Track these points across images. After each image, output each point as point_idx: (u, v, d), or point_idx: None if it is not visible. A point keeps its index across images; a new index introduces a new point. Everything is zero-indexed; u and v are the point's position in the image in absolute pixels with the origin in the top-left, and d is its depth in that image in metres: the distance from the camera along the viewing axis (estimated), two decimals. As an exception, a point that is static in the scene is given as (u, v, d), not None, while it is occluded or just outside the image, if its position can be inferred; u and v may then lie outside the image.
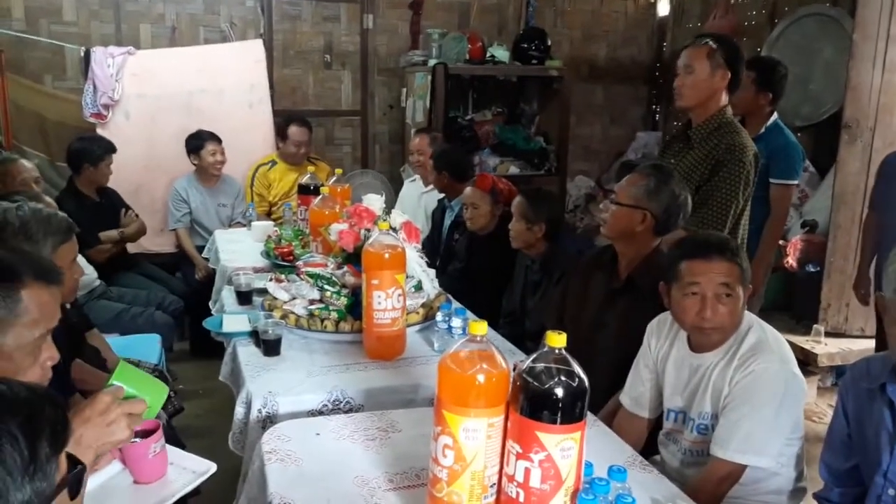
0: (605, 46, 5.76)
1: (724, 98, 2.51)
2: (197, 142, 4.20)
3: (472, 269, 3.28)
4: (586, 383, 1.16)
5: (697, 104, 2.50)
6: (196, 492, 2.51)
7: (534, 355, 1.19)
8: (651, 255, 2.16)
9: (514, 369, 1.20)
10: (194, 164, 4.26)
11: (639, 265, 2.17)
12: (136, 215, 4.05)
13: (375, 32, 5.32)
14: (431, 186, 4.15)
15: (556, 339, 1.17)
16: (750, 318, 1.80)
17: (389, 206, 2.44)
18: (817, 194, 3.91)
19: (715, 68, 2.46)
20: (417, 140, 4.18)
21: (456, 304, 2.40)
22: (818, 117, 3.93)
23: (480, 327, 1.22)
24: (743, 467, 1.70)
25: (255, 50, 4.73)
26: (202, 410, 3.39)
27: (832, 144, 3.54)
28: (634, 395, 1.96)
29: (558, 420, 1.14)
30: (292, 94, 5.25)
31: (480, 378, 1.19)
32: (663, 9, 5.72)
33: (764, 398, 1.67)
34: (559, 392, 1.14)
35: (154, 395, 1.34)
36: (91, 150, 3.87)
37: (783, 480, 1.78)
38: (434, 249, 3.69)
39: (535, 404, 1.15)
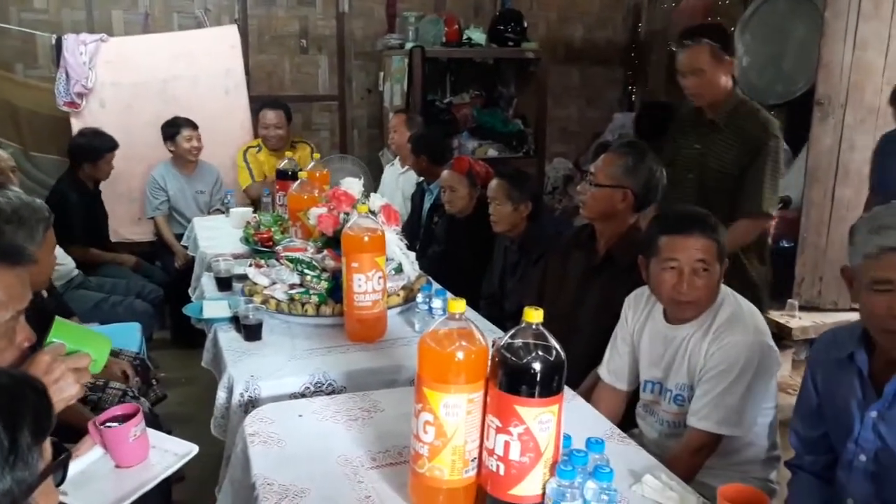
0: (581, 28, 5.77)
1: (730, 79, 2.57)
2: (173, 129, 4.17)
3: (451, 252, 3.29)
4: (563, 357, 1.18)
5: (715, 99, 2.56)
6: (181, 478, 2.55)
7: (512, 331, 1.21)
8: (629, 231, 2.19)
9: (492, 346, 1.22)
10: (171, 152, 4.23)
11: (617, 242, 2.20)
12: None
13: (351, 16, 5.28)
14: (408, 167, 4.16)
15: (533, 315, 1.19)
16: (724, 291, 1.83)
17: (368, 190, 2.45)
18: (791, 171, 3.95)
19: (719, 62, 2.51)
20: (395, 120, 4.20)
21: (436, 286, 2.42)
22: (791, 95, 3.97)
23: (459, 305, 1.24)
24: (719, 437, 1.74)
25: (230, 35, 4.69)
26: (185, 398, 3.39)
27: (805, 122, 3.59)
28: (612, 367, 2.00)
29: (536, 393, 1.16)
30: (268, 79, 5.22)
31: (460, 355, 1.20)
32: (639, -11, 5.74)
33: (739, 370, 1.71)
34: (537, 366, 1.16)
35: (97, 347, 1.32)
36: (91, 149, 3.88)
37: (758, 450, 1.83)
38: (414, 232, 3.70)
39: (513, 379, 1.17)
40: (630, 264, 1.96)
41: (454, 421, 1.21)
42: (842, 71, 3.35)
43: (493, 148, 5.21)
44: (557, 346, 1.19)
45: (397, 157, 4.31)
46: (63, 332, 1.31)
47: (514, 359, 1.17)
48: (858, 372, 1.44)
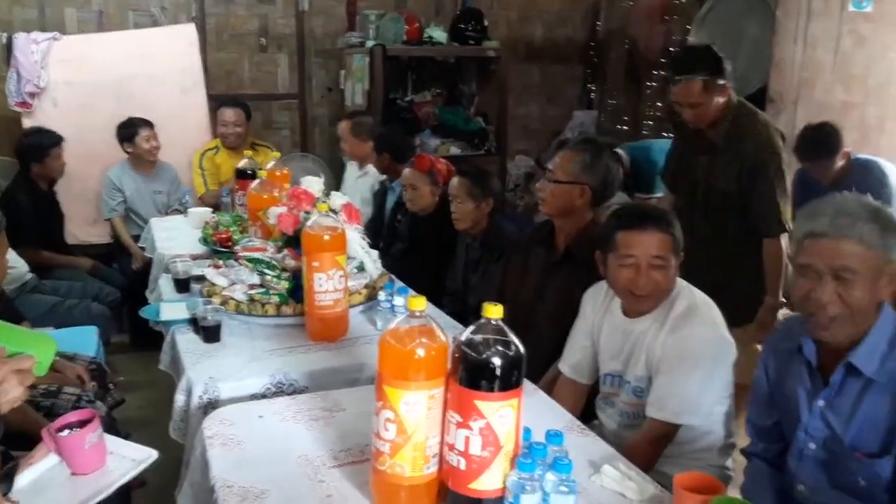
0: (541, 26, 5.80)
1: (727, 95, 2.61)
2: (129, 129, 4.10)
3: (414, 250, 3.30)
4: (522, 351, 1.19)
5: (714, 119, 2.60)
6: (142, 483, 2.51)
7: (472, 327, 1.22)
8: (588, 227, 2.22)
9: (453, 342, 1.22)
10: (128, 153, 4.15)
11: (576, 238, 2.22)
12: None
13: (311, 14, 5.24)
14: (365, 171, 4.16)
15: (493, 311, 1.20)
16: (680, 283, 1.87)
17: (328, 188, 2.44)
18: (746, 167, 4.04)
19: (713, 90, 2.55)
20: (342, 126, 4.20)
21: (399, 284, 2.42)
22: (745, 92, 4.02)
23: (419, 302, 1.24)
24: (677, 427, 1.78)
25: (187, 34, 4.62)
26: (145, 402, 3.33)
27: (759, 119, 3.66)
28: (572, 361, 2.02)
29: (496, 388, 1.17)
30: (227, 78, 5.14)
31: (420, 352, 1.21)
32: (597, -12, 5.80)
33: (696, 361, 1.74)
34: (496, 361, 1.17)
35: (41, 349, 1.28)
36: (35, 147, 3.78)
37: (715, 438, 1.86)
38: (377, 231, 3.70)
39: (473, 374, 1.17)
40: (589, 259, 1.98)
41: (415, 418, 1.21)
42: (793, 68, 3.44)
43: (455, 146, 5.21)
44: (516, 341, 1.20)
45: (353, 162, 4.31)
46: (3, 334, 1.27)
47: (473, 354, 1.18)
48: (807, 362, 1.48)
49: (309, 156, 5.08)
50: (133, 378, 3.57)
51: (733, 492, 1.98)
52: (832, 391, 1.43)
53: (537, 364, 2.21)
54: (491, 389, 1.17)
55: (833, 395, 1.43)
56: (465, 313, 2.87)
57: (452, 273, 3.06)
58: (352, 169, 4.36)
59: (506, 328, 1.21)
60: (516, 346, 1.19)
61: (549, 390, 2.04)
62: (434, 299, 2.68)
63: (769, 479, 1.60)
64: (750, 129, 2.57)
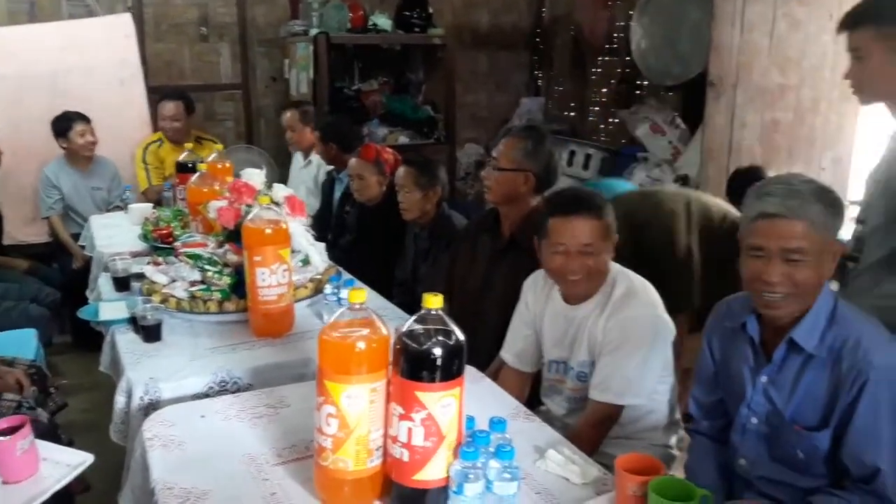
0: (487, 13, 5.79)
1: None
2: (63, 123, 3.96)
3: (363, 241, 3.27)
4: (463, 341, 1.19)
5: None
6: (86, 487, 2.45)
7: (412, 318, 1.21)
8: (531, 213, 2.23)
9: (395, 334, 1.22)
10: (63, 148, 4.02)
11: (520, 224, 2.23)
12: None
13: (253, 2, 5.14)
14: (309, 160, 4.11)
15: (433, 301, 1.19)
16: (616, 269, 1.90)
17: (272, 180, 2.40)
18: (688, 150, 4.12)
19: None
20: (288, 115, 4.13)
21: (347, 276, 2.39)
22: (687, 76, 4.12)
23: (359, 295, 1.23)
24: (620, 408, 1.81)
25: (123, 24, 4.48)
26: (89, 404, 3.25)
27: (701, 102, 3.72)
28: (515, 350, 2.03)
29: (437, 378, 1.16)
30: (167, 69, 5.01)
31: (361, 345, 1.20)
32: (542, -26, 5.81)
33: (636, 342, 1.77)
34: (436, 351, 1.16)
35: None
36: None
37: (659, 416, 1.90)
38: (325, 222, 3.66)
39: (414, 365, 1.17)
40: (533, 246, 1.99)
41: (357, 411, 1.20)
42: (731, 52, 3.50)
43: (403, 135, 5.18)
44: (457, 331, 1.19)
45: (298, 152, 4.25)
46: None
47: (414, 345, 1.17)
48: (750, 340, 1.52)
49: (253, 148, 5.00)
50: (77, 380, 3.47)
51: (679, 471, 2.03)
52: (775, 367, 1.47)
53: (485, 351, 2.22)
54: (432, 380, 1.16)
55: (775, 371, 1.47)
56: (415, 304, 2.83)
57: (402, 263, 3.05)
58: (297, 159, 4.31)
59: (447, 318, 1.20)
60: (457, 336, 1.19)
61: (497, 377, 2.05)
62: (384, 290, 2.67)
63: (712, 455, 1.64)
64: None
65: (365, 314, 1.23)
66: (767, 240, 1.39)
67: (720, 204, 2.89)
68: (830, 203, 1.38)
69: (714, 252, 2.73)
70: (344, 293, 2.07)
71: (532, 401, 2.04)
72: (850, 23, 1.71)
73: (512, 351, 2.04)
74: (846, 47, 1.74)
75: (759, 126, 3.55)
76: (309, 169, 4.11)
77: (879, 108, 1.81)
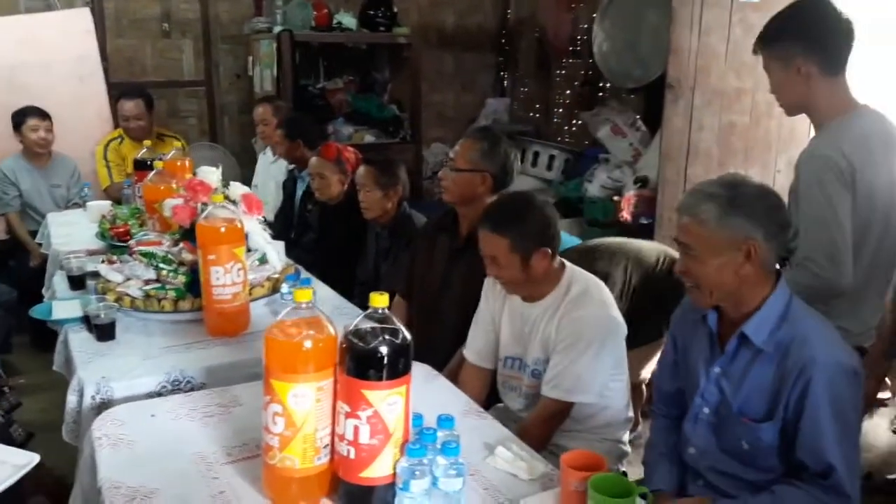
0: (452, 14, 5.81)
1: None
2: (18, 118, 3.89)
3: (325, 240, 3.27)
4: (409, 339, 1.21)
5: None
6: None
7: (359, 317, 1.23)
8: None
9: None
10: (21, 143, 3.95)
11: (476, 223, 2.26)
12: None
13: (216, -1, 5.10)
14: (278, 156, 4.08)
15: (379, 300, 1.21)
16: (571, 270, 1.94)
17: (235, 178, 2.39)
18: (648, 152, 4.18)
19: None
20: (261, 110, 4.09)
21: (305, 274, 2.40)
22: (648, 79, 4.19)
23: (305, 294, 1.24)
24: (570, 404, 1.85)
25: (82, 19, 4.41)
26: (48, 404, 3.19)
27: (661, 105, 3.78)
28: (476, 347, 2.06)
29: (383, 377, 1.18)
30: (129, 65, 4.96)
31: (307, 344, 1.21)
32: (507, -25, 5.85)
33: (587, 341, 1.82)
34: (383, 350, 1.18)
35: None
36: None
37: (613, 412, 1.94)
38: (288, 221, 3.64)
39: (360, 364, 1.18)
40: None
41: (304, 410, 1.21)
42: (689, 56, 3.55)
43: (369, 134, 5.18)
44: (403, 330, 1.21)
45: (268, 147, 4.21)
46: None
47: (360, 344, 1.19)
48: (709, 331, 1.57)
49: (217, 146, 4.96)
50: (35, 380, 3.41)
51: (633, 467, 2.08)
52: (727, 359, 1.52)
53: (444, 349, 2.25)
54: (379, 378, 1.18)
55: (728, 363, 1.52)
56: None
57: (363, 262, 3.05)
58: (265, 155, 4.27)
59: (393, 317, 1.22)
60: (403, 335, 1.20)
61: (456, 374, 2.09)
62: (346, 289, 2.67)
63: (674, 431, 1.69)
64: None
65: (312, 313, 1.24)
66: (676, 233, 1.51)
67: (656, 247, 2.85)
68: (730, 202, 1.42)
69: (656, 289, 2.71)
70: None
71: (492, 398, 2.07)
72: (754, 49, 1.93)
73: (473, 348, 2.07)
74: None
75: (717, 129, 3.62)
76: (279, 164, 4.07)
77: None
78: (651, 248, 2.78)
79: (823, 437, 1.39)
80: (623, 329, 1.88)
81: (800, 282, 1.68)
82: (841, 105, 1.83)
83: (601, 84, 5.00)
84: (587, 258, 2.57)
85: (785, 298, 1.48)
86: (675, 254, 2.14)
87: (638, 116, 4.48)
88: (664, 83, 3.74)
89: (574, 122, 5.33)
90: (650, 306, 2.55)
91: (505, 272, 1.88)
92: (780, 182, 3.67)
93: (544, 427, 1.85)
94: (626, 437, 2.01)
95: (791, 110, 1.91)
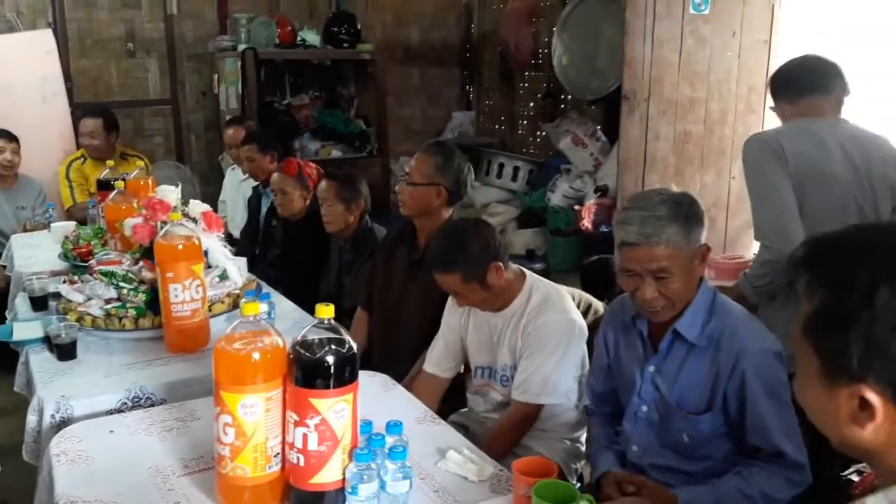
0: (417, 30, 5.90)
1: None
2: (-18, 140, 3.88)
3: (289, 255, 3.30)
4: (355, 349, 1.25)
5: None
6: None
7: (305, 328, 1.27)
8: (444, 224, 2.32)
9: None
10: (-14, 164, 3.94)
11: (435, 234, 2.32)
12: None
13: (181, 18, 5.13)
14: (248, 174, 4.10)
15: (325, 311, 1.25)
16: (532, 279, 2.00)
17: (202, 196, 2.42)
18: (608, 161, 4.28)
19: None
20: (232, 132, 4.11)
21: (266, 290, 2.43)
22: (605, 91, 4.29)
23: (253, 308, 1.28)
24: (539, 407, 1.91)
25: (44, 40, 4.43)
26: (14, 427, 3.15)
27: (619, 115, 3.87)
28: (433, 358, 2.12)
29: (330, 385, 1.22)
30: (94, 85, 4.97)
31: (255, 356, 1.25)
32: (469, -9, 5.95)
33: (552, 346, 1.88)
34: (329, 359, 1.22)
35: None
36: None
37: (574, 414, 2.01)
38: (252, 237, 3.67)
39: (307, 373, 1.23)
40: None
41: (253, 420, 1.25)
42: (643, 67, 3.65)
43: (336, 149, 5.23)
44: (350, 339, 1.26)
45: (238, 167, 4.24)
46: None
47: (307, 354, 1.23)
48: (639, 333, 1.64)
49: (182, 167, 4.97)
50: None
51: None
52: (661, 357, 1.59)
53: (405, 359, 2.29)
54: (326, 387, 1.22)
55: (661, 361, 1.59)
56: (341, 316, 2.90)
57: (326, 277, 3.09)
58: (234, 172, 4.29)
59: (340, 327, 1.26)
60: (349, 344, 1.25)
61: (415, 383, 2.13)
62: (311, 304, 2.69)
63: (611, 426, 1.76)
64: None
65: (260, 325, 1.28)
66: (634, 263, 1.50)
67: (580, 294, 2.84)
68: (686, 218, 1.49)
69: None
70: (263, 307, 2.11)
71: (455, 403, 2.13)
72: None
73: (431, 358, 2.12)
74: None
75: (672, 138, 3.72)
76: (249, 182, 4.10)
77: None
78: (576, 292, 2.74)
79: (768, 422, 1.48)
80: (584, 332, 1.95)
81: (760, 260, 1.77)
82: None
83: (563, 96, 5.10)
84: None
85: (710, 294, 1.56)
86: (595, 301, 2.20)
87: (598, 127, 4.58)
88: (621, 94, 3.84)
89: (538, 133, 5.43)
90: None
91: (472, 299, 1.94)
92: (735, 188, 3.78)
93: (515, 431, 1.92)
94: (584, 436, 2.07)
95: None
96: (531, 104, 5.48)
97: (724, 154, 3.81)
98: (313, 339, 1.25)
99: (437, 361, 2.10)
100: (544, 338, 1.88)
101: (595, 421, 1.84)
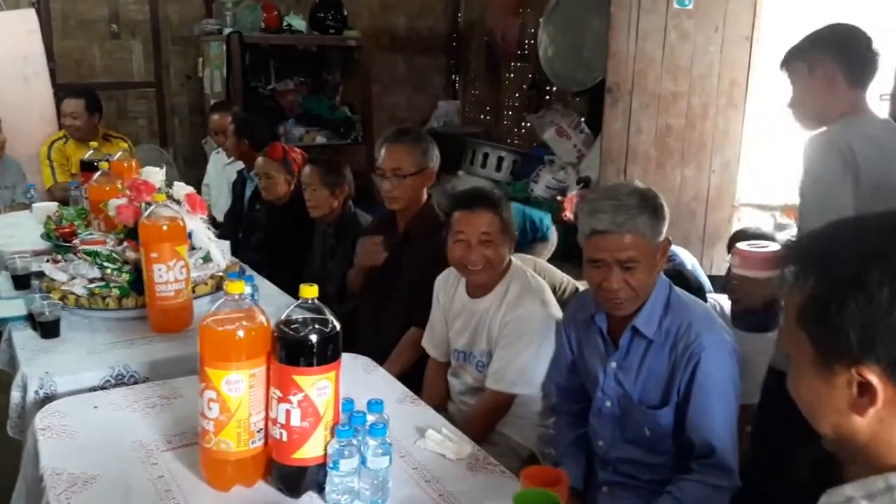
0: (404, 17, 5.90)
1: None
2: (-34, 120, 3.85)
3: (273, 239, 3.32)
4: (337, 328, 1.29)
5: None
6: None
7: (291, 307, 1.30)
8: (423, 208, 2.37)
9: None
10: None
11: (414, 218, 2.37)
12: None
13: (166, 0, 5.10)
14: (234, 158, 4.10)
15: (309, 291, 1.28)
16: (515, 267, 2.03)
17: (187, 179, 2.43)
18: (591, 153, 4.33)
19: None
20: (217, 117, 4.10)
21: (249, 272, 2.45)
22: (591, 83, 4.33)
23: (237, 287, 1.31)
24: (513, 396, 1.94)
25: (27, 19, 4.38)
26: (-2, 405, 3.18)
27: (602, 107, 3.93)
28: (433, 342, 2.17)
29: (314, 363, 1.25)
30: (77, 66, 4.93)
31: (240, 333, 1.28)
32: (457, -20, 5.97)
33: (529, 337, 1.91)
34: (313, 338, 1.25)
35: None
36: None
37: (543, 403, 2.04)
38: (236, 221, 3.68)
39: (291, 351, 1.25)
40: (426, 238, 2.12)
41: (237, 396, 1.27)
42: (627, 60, 3.71)
43: (321, 135, 5.24)
44: (333, 319, 1.29)
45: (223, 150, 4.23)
46: None
47: (291, 333, 1.26)
48: (599, 330, 1.67)
49: (164, 153, 4.95)
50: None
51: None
52: (622, 353, 1.62)
53: (392, 334, 2.36)
54: (309, 364, 1.25)
55: (622, 357, 1.63)
56: (326, 300, 2.92)
57: (311, 261, 3.11)
58: (218, 155, 4.29)
59: (323, 307, 1.29)
60: (332, 324, 1.28)
61: (403, 358, 2.26)
62: (294, 287, 2.72)
63: (575, 427, 1.80)
64: None
65: (244, 304, 1.31)
66: (603, 253, 1.53)
67: (568, 280, 2.73)
68: (654, 210, 1.54)
69: None
70: (247, 289, 2.13)
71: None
72: (783, 62, 1.95)
73: (431, 343, 2.17)
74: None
75: (654, 131, 3.78)
76: (235, 165, 4.10)
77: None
78: (557, 272, 2.77)
79: (708, 417, 1.51)
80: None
81: None
82: (854, 114, 1.86)
83: (548, 87, 5.14)
84: None
85: (666, 289, 1.60)
86: (580, 284, 2.23)
87: (582, 119, 4.62)
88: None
89: (522, 124, 5.46)
90: None
91: (497, 253, 1.94)
92: (714, 182, 3.85)
93: (488, 418, 1.95)
94: (552, 421, 2.11)
95: (809, 122, 1.93)
96: (516, 95, 5.52)
97: (704, 148, 3.88)
98: (297, 318, 1.27)
99: (438, 346, 2.17)
100: (521, 328, 1.91)
101: (560, 422, 1.86)
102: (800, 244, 0.87)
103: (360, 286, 2.55)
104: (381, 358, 2.03)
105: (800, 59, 1.92)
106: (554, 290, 2.74)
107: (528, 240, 3.66)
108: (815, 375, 0.80)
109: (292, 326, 1.27)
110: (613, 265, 1.53)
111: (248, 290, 2.11)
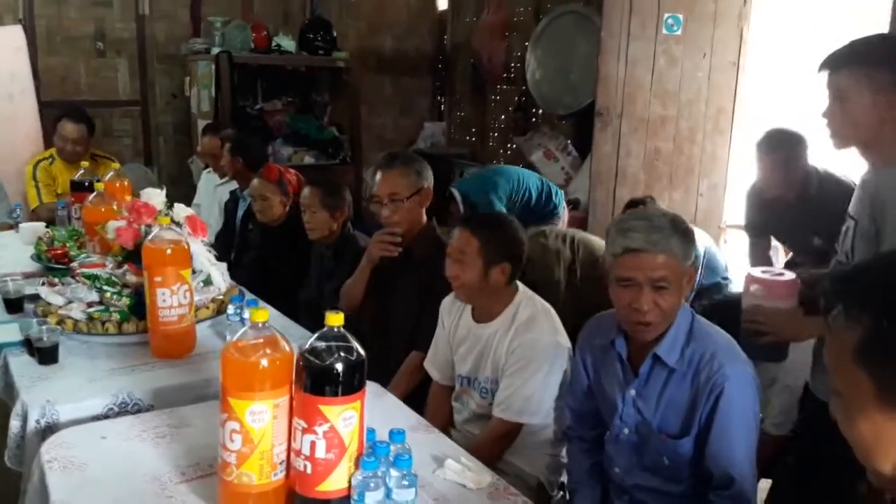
0: (391, 38, 5.93)
1: None
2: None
3: (267, 260, 3.28)
4: (363, 356, 1.27)
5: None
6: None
7: (315, 336, 1.28)
8: (424, 228, 2.38)
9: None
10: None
11: (415, 238, 2.37)
12: None
13: (153, 19, 5.07)
14: (226, 178, 4.07)
15: (334, 319, 1.27)
16: (522, 295, 2.02)
17: (170, 199, 2.39)
18: (580, 175, 4.36)
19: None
20: (207, 140, 4.07)
21: (250, 296, 2.42)
22: (578, 106, 4.38)
23: (262, 314, 1.29)
24: (520, 425, 1.92)
25: (14, 36, 4.34)
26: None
27: (591, 130, 3.97)
28: (438, 366, 2.15)
29: (339, 392, 1.23)
30: (62, 84, 4.87)
31: (264, 363, 1.25)
32: (443, 2, 6.00)
33: (536, 365, 1.89)
34: (338, 367, 1.23)
35: None
36: None
37: (551, 431, 2.03)
38: (228, 241, 3.64)
39: (316, 381, 1.23)
40: (426, 257, 2.12)
41: (260, 427, 1.25)
42: (617, 85, 3.76)
43: (308, 155, 5.23)
44: (358, 347, 1.27)
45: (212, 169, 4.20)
46: None
47: (316, 361, 1.24)
48: (619, 356, 1.66)
49: (145, 168, 4.89)
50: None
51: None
52: (642, 381, 1.61)
53: (393, 357, 2.34)
54: (335, 394, 1.23)
55: (642, 385, 1.61)
56: (321, 323, 2.89)
57: (307, 283, 3.08)
58: (209, 175, 4.25)
59: (348, 335, 1.28)
60: (357, 352, 1.26)
61: (405, 379, 2.24)
62: (290, 310, 2.69)
63: (589, 454, 1.79)
64: None
65: (268, 332, 1.28)
66: (635, 272, 1.52)
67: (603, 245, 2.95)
68: (684, 233, 1.55)
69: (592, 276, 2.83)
70: (247, 313, 2.09)
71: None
72: (834, 63, 1.65)
73: (434, 365, 2.16)
74: (828, 87, 1.67)
75: (643, 154, 3.83)
76: (226, 186, 4.06)
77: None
78: (598, 243, 2.84)
79: (730, 448, 1.50)
80: (569, 355, 1.96)
81: None
82: None
83: (534, 110, 5.18)
84: (537, 239, 2.67)
85: (688, 319, 1.59)
86: None
87: (569, 141, 4.66)
88: (594, 110, 3.94)
89: (509, 145, 5.49)
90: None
91: (466, 273, 1.93)
92: (702, 205, 3.90)
93: (494, 446, 1.92)
94: (564, 451, 2.10)
95: (846, 142, 1.68)
96: (502, 117, 5.55)
97: (692, 172, 3.93)
98: (322, 346, 1.26)
99: (442, 370, 2.15)
100: (529, 356, 1.89)
101: (574, 448, 1.84)
102: (846, 279, 0.86)
103: (358, 301, 2.50)
104: (382, 382, 2.01)
105: (860, 71, 1.60)
106: (596, 262, 2.75)
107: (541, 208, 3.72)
108: (877, 411, 0.80)
109: (318, 354, 1.25)
110: (645, 285, 1.51)
111: (246, 315, 2.10)
